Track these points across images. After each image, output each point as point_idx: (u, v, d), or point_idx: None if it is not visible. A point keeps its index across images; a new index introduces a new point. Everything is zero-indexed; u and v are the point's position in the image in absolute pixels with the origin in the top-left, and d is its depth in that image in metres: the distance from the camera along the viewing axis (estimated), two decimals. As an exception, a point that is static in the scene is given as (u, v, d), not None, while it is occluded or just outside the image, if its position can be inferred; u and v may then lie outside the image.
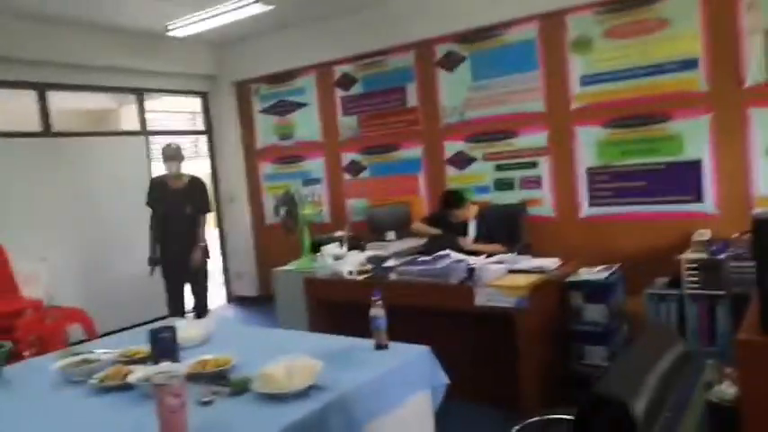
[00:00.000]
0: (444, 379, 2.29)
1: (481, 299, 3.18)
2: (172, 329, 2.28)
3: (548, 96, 4.81)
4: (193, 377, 2.06)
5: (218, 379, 2.02)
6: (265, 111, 6.69)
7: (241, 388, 1.92)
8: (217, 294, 7.29)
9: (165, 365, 2.12)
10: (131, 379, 1.98)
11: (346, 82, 5.97)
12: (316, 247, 4.53)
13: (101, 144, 5.93)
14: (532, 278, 3.25)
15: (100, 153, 5.85)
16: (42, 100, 5.45)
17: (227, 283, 7.26)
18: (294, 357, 1.98)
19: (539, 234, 4.65)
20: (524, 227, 4.53)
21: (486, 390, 3.39)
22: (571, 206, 4.80)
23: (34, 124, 5.42)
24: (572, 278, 3.40)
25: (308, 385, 1.86)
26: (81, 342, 3.13)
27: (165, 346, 2.25)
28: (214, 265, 5.67)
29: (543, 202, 4.92)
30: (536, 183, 4.95)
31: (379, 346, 2.25)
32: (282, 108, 6.53)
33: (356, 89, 5.91)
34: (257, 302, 6.84)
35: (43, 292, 4.97)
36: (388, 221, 5.52)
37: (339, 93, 6.04)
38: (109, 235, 5.83)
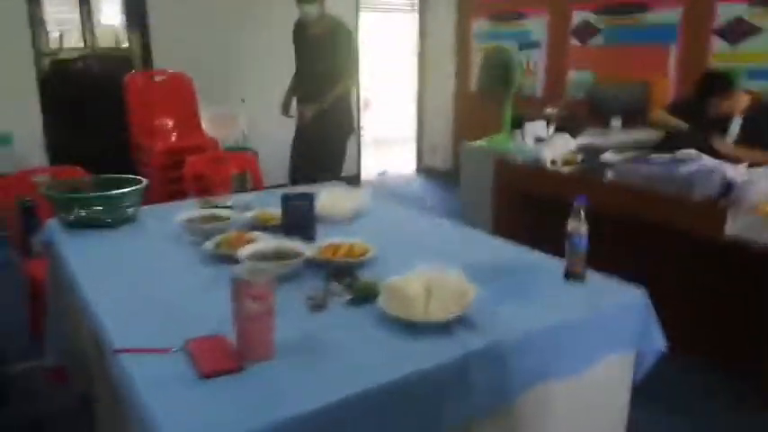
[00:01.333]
0: (661, 343, 1.54)
1: (737, 227, 2.23)
2: (309, 199, 1.82)
3: None
4: (315, 264, 1.59)
5: (343, 275, 1.52)
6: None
7: (365, 296, 1.40)
8: (406, 162, 6.96)
9: (292, 242, 1.69)
10: (241, 253, 1.57)
11: None
12: (518, 124, 3.77)
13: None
14: (826, 210, 2.18)
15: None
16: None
17: (419, 152, 6.84)
18: (443, 270, 1.39)
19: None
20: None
21: (724, 354, 2.50)
22: None
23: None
24: None
25: (451, 317, 1.28)
26: (245, 190, 2.90)
27: (297, 218, 1.81)
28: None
29: None
30: None
31: (572, 275, 1.55)
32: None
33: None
34: (447, 177, 6.35)
35: (239, 134, 5.00)
36: (615, 104, 4.45)
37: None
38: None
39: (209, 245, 1.71)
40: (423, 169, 6.80)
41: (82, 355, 1.69)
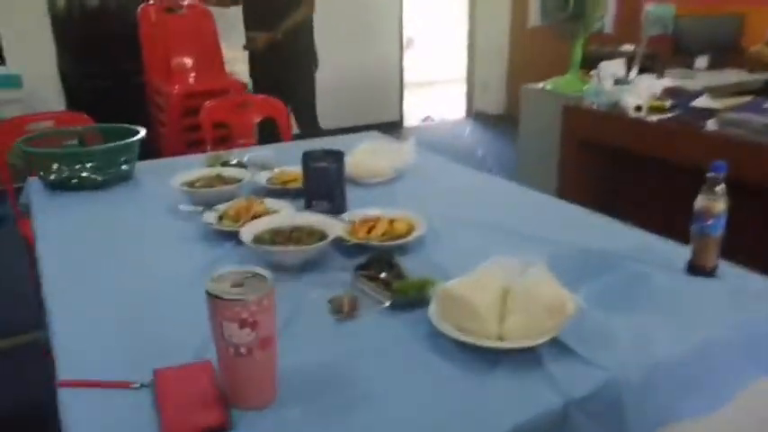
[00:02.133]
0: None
1: None
2: (337, 158, 1.40)
3: None
4: (344, 247, 1.19)
5: (380, 265, 1.11)
6: None
7: (411, 300, 1.00)
8: (454, 106, 6.42)
9: (313, 216, 1.29)
10: (245, 234, 1.18)
11: None
12: (588, 64, 3.22)
13: None
14: None
15: None
16: None
17: (470, 94, 6.27)
18: (523, 264, 0.97)
19: None
20: None
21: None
22: None
23: None
24: None
25: (541, 341, 0.86)
26: (272, 141, 2.50)
27: (321, 184, 1.40)
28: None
29: None
30: None
31: (700, 269, 1.11)
32: None
33: None
34: (501, 122, 5.81)
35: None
36: (701, 40, 3.83)
37: None
38: (356, 16, 5.06)
39: (209, 216, 1.33)
40: (473, 114, 6.25)
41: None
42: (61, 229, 1.39)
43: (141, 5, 3.54)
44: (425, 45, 7.83)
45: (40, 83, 3.84)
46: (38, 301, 2.22)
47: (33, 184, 1.68)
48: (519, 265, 0.97)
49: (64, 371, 0.86)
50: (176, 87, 3.16)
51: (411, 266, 1.12)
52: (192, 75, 3.42)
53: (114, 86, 3.95)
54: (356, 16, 5.24)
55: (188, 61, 3.42)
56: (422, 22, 7.52)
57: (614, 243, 1.26)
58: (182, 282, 1.11)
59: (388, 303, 0.99)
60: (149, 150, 3.42)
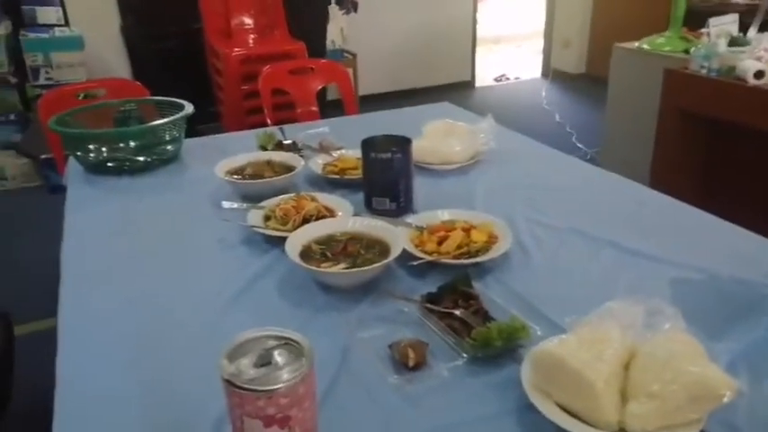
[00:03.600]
0: None
1: None
2: (403, 148, 1.17)
3: None
4: (407, 265, 0.98)
5: (455, 292, 0.89)
6: None
7: (496, 352, 0.77)
8: (530, 65, 5.97)
9: (372, 221, 1.07)
10: (291, 245, 0.97)
11: None
12: (692, 20, 2.80)
13: None
14: None
15: None
16: None
17: (547, 51, 5.80)
18: (648, 307, 0.72)
19: None
20: None
21: None
22: None
23: None
24: None
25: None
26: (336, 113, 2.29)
27: (384, 179, 1.17)
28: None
29: None
30: None
31: None
32: None
33: None
34: (581, 83, 5.36)
35: (335, 33, 4.32)
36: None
37: None
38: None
39: (253, 217, 1.14)
40: (550, 73, 5.79)
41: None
42: (90, 223, 1.23)
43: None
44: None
45: (104, 45, 3.75)
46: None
47: (73, 165, 1.55)
48: (643, 312, 0.73)
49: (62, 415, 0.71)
50: (234, 50, 2.97)
51: (493, 294, 0.89)
52: (253, 36, 3.21)
53: (179, 48, 3.78)
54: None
55: (249, 21, 3.21)
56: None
57: (752, 265, 0.98)
58: (216, 303, 0.93)
59: (465, 357, 0.77)
60: (211, 115, 3.31)
